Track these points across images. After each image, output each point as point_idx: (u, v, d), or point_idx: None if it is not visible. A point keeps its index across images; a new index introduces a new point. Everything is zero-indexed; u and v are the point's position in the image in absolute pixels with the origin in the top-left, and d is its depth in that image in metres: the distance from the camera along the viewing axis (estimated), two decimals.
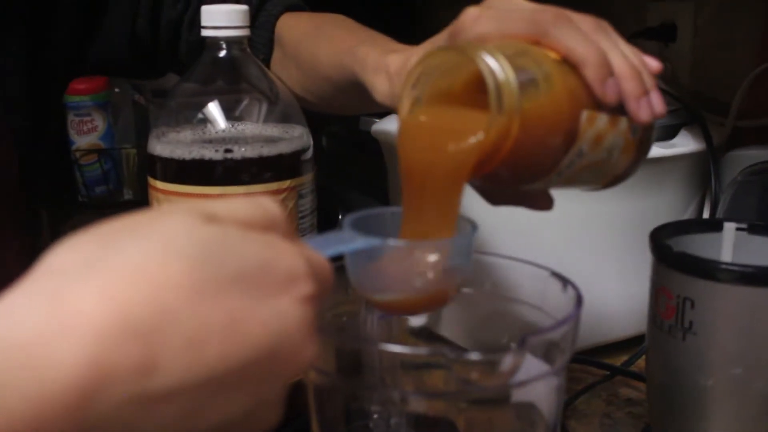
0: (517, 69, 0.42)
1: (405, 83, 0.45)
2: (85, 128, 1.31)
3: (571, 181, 0.48)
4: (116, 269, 0.29)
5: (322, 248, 0.37)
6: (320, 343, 0.44)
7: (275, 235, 0.34)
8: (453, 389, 0.44)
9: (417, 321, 0.75)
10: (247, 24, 0.61)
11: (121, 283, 0.28)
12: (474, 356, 0.40)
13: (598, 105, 0.46)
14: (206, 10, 0.61)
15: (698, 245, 0.60)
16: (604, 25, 0.49)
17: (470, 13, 0.49)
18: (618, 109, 0.47)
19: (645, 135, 0.50)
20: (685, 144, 0.78)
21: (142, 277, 0.29)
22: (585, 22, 0.47)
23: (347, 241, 0.42)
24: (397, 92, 0.52)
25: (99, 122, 1.31)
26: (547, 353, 0.44)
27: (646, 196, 0.77)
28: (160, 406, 0.29)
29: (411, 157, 0.44)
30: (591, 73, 0.45)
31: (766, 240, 0.61)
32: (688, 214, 0.81)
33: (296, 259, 0.33)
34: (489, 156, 0.42)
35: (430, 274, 0.43)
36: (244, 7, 0.61)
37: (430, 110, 0.45)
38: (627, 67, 0.47)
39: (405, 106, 0.45)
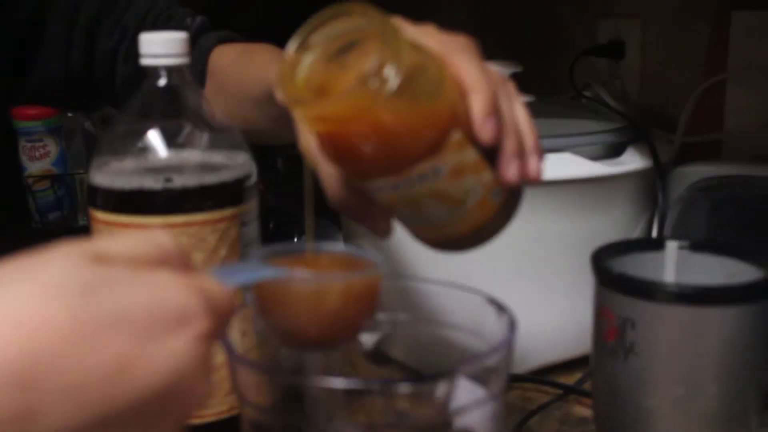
0: (414, 59, 0.43)
1: (303, 27, 0.45)
2: (37, 154, 1.29)
3: (417, 205, 0.48)
4: None
5: (225, 278, 0.37)
6: (253, 377, 0.44)
7: (167, 272, 0.33)
8: (389, 419, 0.44)
9: (369, 343, 0.75)
10: (187, 52, 0.61)
11: None
12: (403, 387, 0.40)
13: (473, 141, 0.46)
14: (145, 38, 0.60)
15: (641, 265, 0.60)
16: (511, 83, 0.49)
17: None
18: (489, 160, 0.47)
19: (503, 207, 0.50)
20: (632, 161, 0.79)
21: (21, 321, 0.28)
22: (494, 70, 0.48)
23: (252, 270, 0.42)
24: None
25: (51, 147, 1.30)
26: (482, 379, 0.44)
27: (595, 214, 0.77)
28: None
29: (289, 93, 0.44)
30: (477, 102, 0.45)
31: (709, 257, 0.61)
32: (637, 232, 0.81)
33: (188, 297, 0.33)
34: (351, 113, 0.42)
35: (333, 306, 0.43)
36: (184, 35, 0.60)
37: (313, 57, 0.46)
38: (511, 123, 0.47)
39: (293, 44, 0.46)
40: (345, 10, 0.45)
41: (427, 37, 0.47)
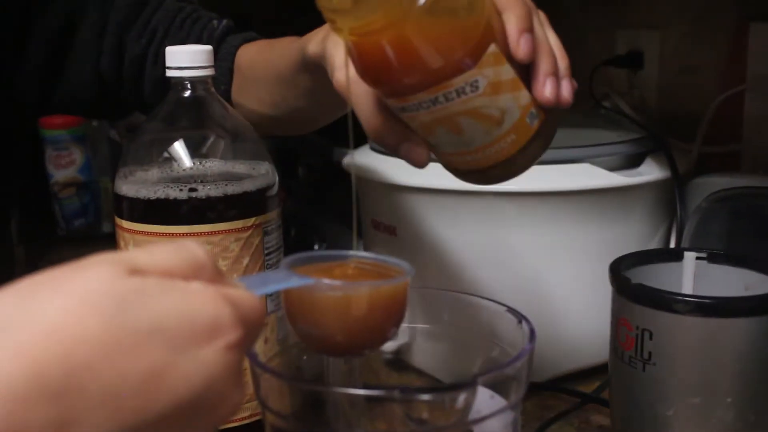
0: None
1: None
2: (63, 162, 1.31)
3: (455, 124, 0.48)
4: (32, 326, 0.29)
5: (255, 287, 0.38)
6: (275, 384, 0.45)
7: (199, 283, 0.34)
8: (409, 427, 0.45)
9: (389, 351, 0.75)
10: (211, 63, 0.62)
11: (36, 341, 0.29)
12: (424, 396, 0.40)
13: (509, 58, 0.46)
14: (170, 51, 0.61)
15: (659, 275, 0.61)
16: (543, 13, 0.50)
17: None
18: (525, 81, 0.48)
19: (538, 134, 0.50)
20: (650, 172, 0.79)
21: (58, 333, 0.29)
22: None
23: (281, 279, 0.42)
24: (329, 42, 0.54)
25: (77, 156, 1.32)
26: (502, 388, 0.45)
27: (613, 224, 0.78)
28: None
29: (326, 3, 0.44)
30: (512, 20, 0.46)
31: (726, 269, 0.61)
32: (655, 243, 0.81)
33: (220, 307, 0.33)
34: (388, 19, 0.43)
35: (361, 314, 0.44)
36: (208, 48, 0.62)
37: None
38: (546, 45, 0.48)
39: None
40: None
41: None
